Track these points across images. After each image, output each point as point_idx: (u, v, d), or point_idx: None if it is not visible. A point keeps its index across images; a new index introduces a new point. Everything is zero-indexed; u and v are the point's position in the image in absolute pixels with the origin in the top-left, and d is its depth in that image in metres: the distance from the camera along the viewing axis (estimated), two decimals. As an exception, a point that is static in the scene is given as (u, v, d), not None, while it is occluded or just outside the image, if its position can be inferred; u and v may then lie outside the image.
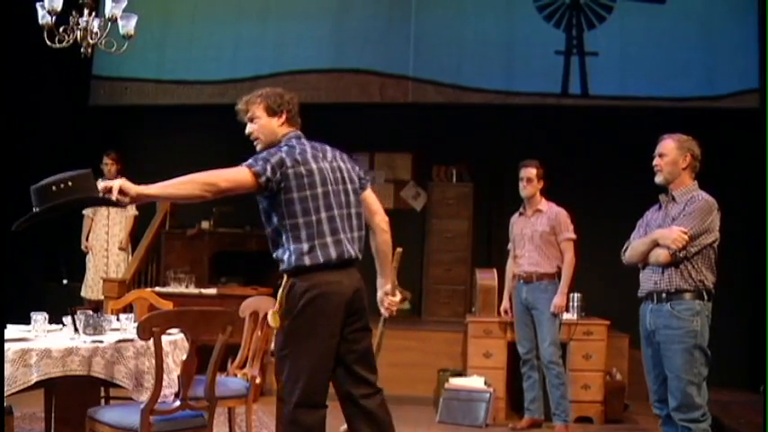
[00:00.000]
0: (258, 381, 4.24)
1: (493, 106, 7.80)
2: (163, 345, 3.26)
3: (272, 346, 3.40)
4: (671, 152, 3.90)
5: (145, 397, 3.33)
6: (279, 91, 3.35)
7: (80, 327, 3.64)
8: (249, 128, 3.31)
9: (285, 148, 3.18)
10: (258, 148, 3.29)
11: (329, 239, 3.15)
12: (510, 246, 5.84)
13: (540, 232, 5.54)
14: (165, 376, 3.29)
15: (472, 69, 7.82)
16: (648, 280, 3.91)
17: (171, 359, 3.62)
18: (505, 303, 5.87)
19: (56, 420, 3.73)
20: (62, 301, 6.34)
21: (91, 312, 3.87)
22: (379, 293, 3.56)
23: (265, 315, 4.17)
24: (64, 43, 5.29)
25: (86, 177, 2.97)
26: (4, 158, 6.97)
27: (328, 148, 3.33)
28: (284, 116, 3.29)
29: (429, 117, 7.99)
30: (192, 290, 6.58)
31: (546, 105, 7.77)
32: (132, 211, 7.28)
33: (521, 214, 5.73)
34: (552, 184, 5.75)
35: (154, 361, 3.25)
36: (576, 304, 5.95)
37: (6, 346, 3.26)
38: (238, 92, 3.43)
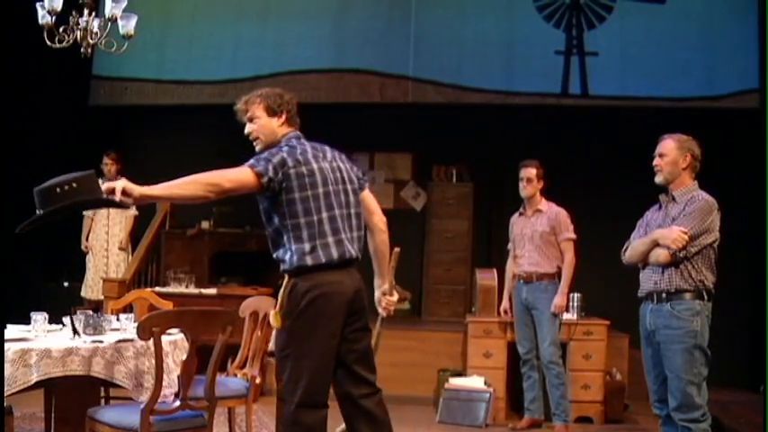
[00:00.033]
0: (258, 381, 4.24)
1: (493, 106, 7.80)
2: (163, 345, 3.26)
3: (271, 345, 3.39)
4: (671, 152, 3.90)
5: (145, 397, 3.33)
6: (278, 91, 3.35)
7: (79, 328, 3.64)
8: (249, 128, 3.30)
9: (286, 149, 3.18)
10: (258, 148, 3.29)
11: (330, 239, 3.15)
12: (510, 246, 5.84)
13: (540, 232, 5.54)
14: (165, 376, 3.29)
15: (472, 69, 7.82)
16: (648, 280, 3.91)
17: (171, 359, 3.62)
18: (505, 303, 5.87)
19: (56, 420, 3.73)
20: (62, 301, 6.37)
21: (91, 312, 3.87)
22: (377, 293, 3.56)
23: (265, 315, 4.18)
24: (64, 43, 5.29)
25: (90, 178, 2.96)
26: (5, 158, 6.98)
27: (327, 148, 3.33)
28: (284, 116, 3.29)
29: (429, 117, 7.99)
30: (192, 290, 6.58)
31: (546, 105, 7.77)
32: (132, 211, 7.28)
33: (521, 214, 5.73)
34: (552, 184, 5.75)
35: (154, 361, 3.25)
36: (575, 304, 5.95)
37: (6, 346, 3.26)
38: (238, 92, 3.42)
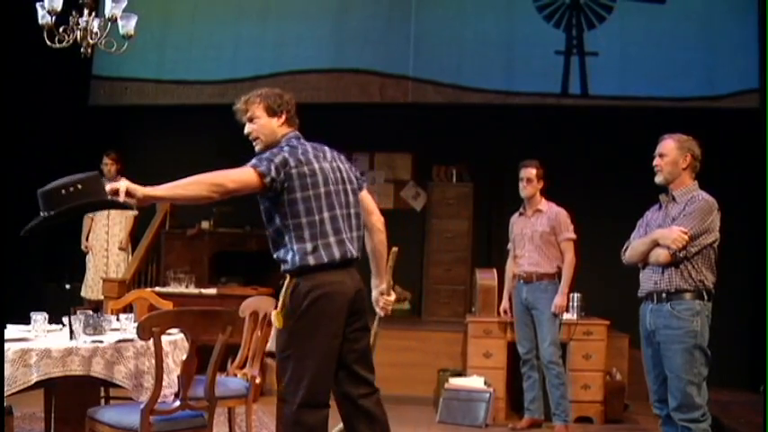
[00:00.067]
0: (258, 381, 4.24)
1: (493, 106, 7.80)
2: (163, 345, 3.26)
3: (269, 346, 3.39)
4: (671, 152, 3.90)
5: (145, 397, 3.33)
6: (278, 91, 3.35)
7: (79, 328, 3.63)
8: (248, 128, 3.30)
9: (287, 149, 3.18)
10: (257, 148, 3.29)
11: (332, 239, 3.15)
12: (510, 246, 5.84)
13: (540, 232, 5.54)
14: (164, 376, 3.29)
15: (472, 69, 7.82)
16: (648, 280, 3.91)
17: (171, 359, 3.62)
18: (505, 303, 5.87)
19: (56, 420, 3.73)
20: (62, 301, 6.37)
21: (91, 312, 3.87)
22: (374, 293, 3.56)
23: (265, 315, 4.18)
24: (64, 43, 5.28)
25: (95, 180, 2.93)
26: (5, 158, 6.97)
27: (326, 148, 3.34)
28: (284, 116, 3.30)
29: (429, 117, 7.99)
30: (192, 290, 6.58)
31: (546, 105, 7.77)
32: (132, 210, 7.28)
33: (521, 214, 5.73)
34: (552, 184, 5.75)
35: (154, 361, 3.25)
36: (575, 304, 5.95)
37: (6, 346, 3.26)
38: (238, 92, 3.42)
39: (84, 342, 3.46)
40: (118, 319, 3.94)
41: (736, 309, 6.60)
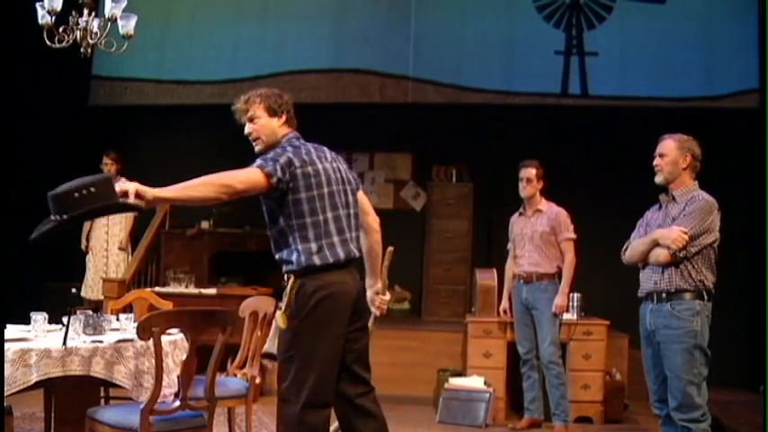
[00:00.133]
0: (258, 381, 4.24)
1: (493, 106, 7.80)
2: (163, 345, 3.26)
3: (267, 347, 3.38)
4: (671, 152, 3.90)
5: (144, 397, 3.33)
6: (277, 91, 3.35)
7: (79, 329, 3.63)
8: (249, 128, 3.29)
9: (291, 149, 3.17)
10: (258, 148, 3.28)
11: (336, 239, 3.16)
12: (510, 246, 5.84)
13: (540, 232, 5.54)
14: (164, 376, 3.29)
15: (472, 69, 7.82)
16: (648, 280, 3.91)
17: (171, 359, 3.62)
18: (504, 303, 5.87)
19: (55, 420, 3.73)
20: (62, 301, 6.36)
21: (91, 312, 3.87)
22: (370, 293, 3.56)
23: (265, 315, 4.18)
24: (64, 43, 5.28)
25: (107, 182, 2.85)
26: (5, 158, 6.97)
27: (326, 148, 3.34)
28: (284, 117, 3.30)
29: (429, 117, 7.99)
30: (192, 290, 6.58)
31: (546, 105, 7.77)
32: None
33: (521, 214, 5.73)
34: (552, 184, 5.75)
35: (153, 361, 3.25)
36: (575, 304, 5.95)
37: (6, 346, 3.26)
38: (238, 92, 3.42)
39: (83, 342, 3.46)
40: (118, 319, 3.94)
41: (736, 309, 6.60)
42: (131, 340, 3.50)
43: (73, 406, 3.57)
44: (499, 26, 7.89)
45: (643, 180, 4.19)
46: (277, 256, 3.21)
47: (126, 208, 2.91)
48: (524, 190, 5.59)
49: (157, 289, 6.24)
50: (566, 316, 5.70)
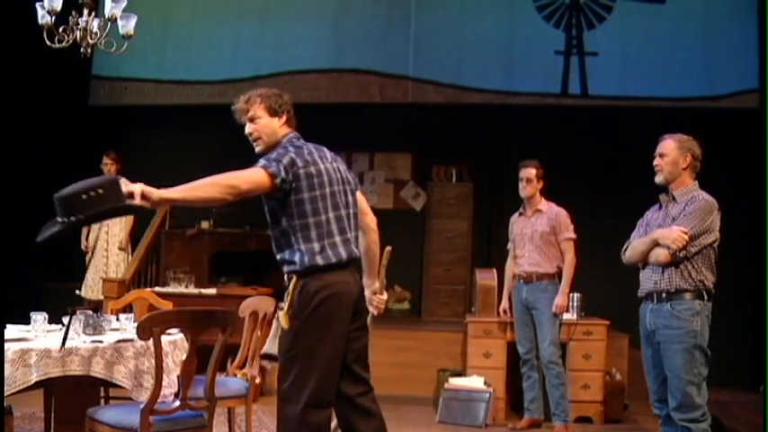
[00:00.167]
0: (258, 381, 4.24)
1: (493, 106, 7.80)
2: (162, 345, 3.26)
3: (266, 348, 3.38)
4: (671, 152, 3.90)
5: (144, 397, 3.33)
6: (277, 91, 3.35)
7: (78, 329, 3.63)
8: (250, 128, 3.29)
9: (293, 149, 3.17)
10: (259, 148, 3.28)
11: (338, 239, 3.17)
12: (510, 246, 5.84)
13: (540, 232, 5.54)
14: (164, 376, 3.29)
15: (472, 69, 7.82)
16: (648, 280, 3.91)
17: (171, 359, 3.62)
18: (504, 303, 5.87)
19: (55, 420, 3.73)
20: (62, 301, 6.36)
21: (91, 312, 3.86)
22: (368, 292, 3.56)
23: (265, 315, 4.18)
24: (64, 43, 5.28)
25: (115, 184, 2.83)
26: (5, 158, 6.97)
27: (325, 148, 3.34)
28: (285, 117, 3.30)
29: (429, 117, 7.99)
30: (192, 290, 6.59)
31: (546, 105, 7.77)
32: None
33: (521, 214, 5.73)
34: (552, 184, 5.75)
35: (153, 361, 3.25)
36: (575, 304, 5.95)
37: (6, 346, 3.26)
38: (238, 92, 3.42)
39: (83, 342, 3.46)
40: (118, 319, 3.94)
41: (736, 309, 6.60)
42: (131, 340, 3.50)
43: (73, 406, 3.57)
44: (499, 26, 7.89)
45: (643, 180, 4.19)
46: (279, 257, 3.20)
47: (133, 210, 2.89)
48: (524, 190, 5.59)
49: (157, 289, 6.24)
50: (566, 316, 5.70)
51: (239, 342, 4.34)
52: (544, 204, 5.61)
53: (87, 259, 7.40)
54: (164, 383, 3.27)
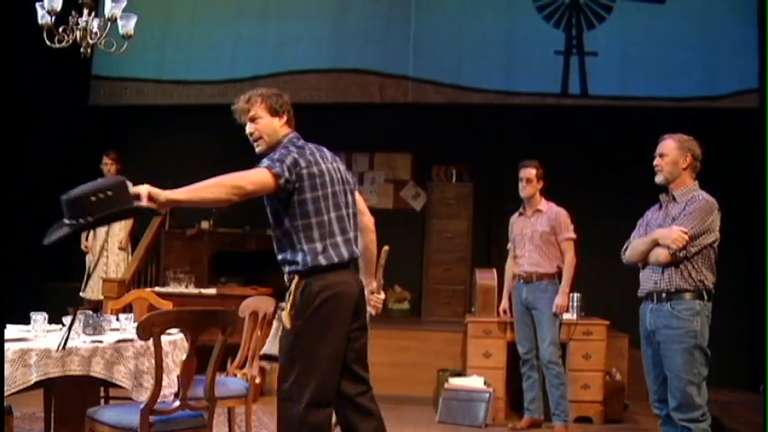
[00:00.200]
0: (258, 381, 4.24)
1: (493, 106, 7.80)
2: (162, 345, 3.26)
3: (265, 349, 3.38)
4: (671, 152, 3.90)
5: (144, 397, 3.32)
6: (277, 91, 3.35)
7: (78, 329, 3.62)
8: (251, 128, 3.28)
9: (295, 149, 3.18)
10: (260, 149, 3.27)
11: (339, 239, 3.17)
12: (510, 246, 5.84)
13: (540, 232, 5.54)
14: (164, 376, 3.29)
15: (472, 69, 7.82)
16: (648, 280, 3.91)
17: (170, 359, 3.62)
18: (504, 303, 5.87)
19: (55, 420, 3.73)
20: (62, 301, 6.37)
21: (91, 312, 3.86)
22: (365, 292, 3.56)
23: (265, 315, 4.18)
24: (64, 43, 5.28)
25: (123, 185, 2.79)
26: (5, 158, 6.97)
27: (325, 149, 3.34)
28: (285, 117, 3.30)
29: (429, 117, 7.99)
30: (192, 290, 6.58)
31: (546, 105, 7.77)
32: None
33: (521, 214, 5.73)
34: (552, 184, 5.74)
35: (153, 361, 3.25)
36: (575, 304, 5.95)
37: (6, 346, 3.26)
38: (238, 92, 3.41)
39: (83, 342, 3.46)
40: (117, 319, 3.94)
41: (736, 309, 6.60)
42: (131, 340, 3.50)
43: (73, 406, 3.57)
44: (499, 26, 7.89)
45: (643, 180, 4.19)
46: (280, 257, 3.20)
47: (141, 212, 2.88)
48: (524, 190, 5.59)
49: (157, 289, 6.24)
50: (566, 316, 5.70)
51: (239, 342, 4.34)
52: (544, 204, 5.61)
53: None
54: (164, 383, 3.27)
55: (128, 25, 5.33)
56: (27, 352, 3.29)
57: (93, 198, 2.75)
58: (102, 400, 4.18)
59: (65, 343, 3.37)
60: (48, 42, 5.23)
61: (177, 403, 3.27)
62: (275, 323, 3.32)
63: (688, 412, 3.74)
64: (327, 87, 7.95)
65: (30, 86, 7.40)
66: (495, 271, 6.29)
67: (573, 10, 7.79)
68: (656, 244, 3.84)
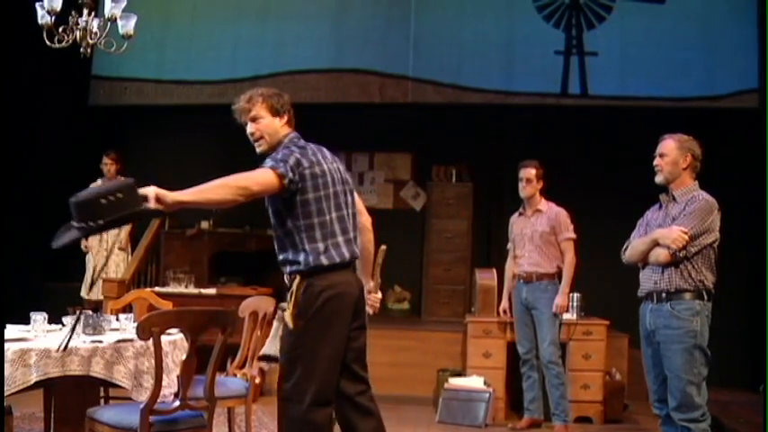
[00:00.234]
0: (258, 381, 4.24)
1: (493, 106, 7.80)
2: (162, 345, 3.26)
3: (265, 349, 3.38)
4: (671, 152, 3.90)
5: (144, 397, 3.32)
6: (277, 91, 3.35)
7: (78, 329, 3.62)
8: (252, 127, 3.27)
9: (297, 150, 3.18)
10: (261, 149, 3.27)
11: (340, 239, 3.18)
12: (509, 246, 5.84)
13: (540, 232, 5.54)
14: (164, 376, 3.29)
15: (472, 69, 7.82)
16: (648, 280, 3.91)
17: (170, 359, 3.62)
18: (504, 303, 5.87)
19: (55, 420, 3.73)
20: (62, 301, 6.37)
21: (91, 312, 3.86)
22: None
23: (265, 315, 4.18)
24: (63, 43, 5.28)
25: (132, 188, 2.77)
26: (5, 158, 6.98)
27: (324, 149, 3.34)
28: (286, 116, 3.30)
29: (429, 117, 7.99)
30: (192, 290, 6.58)
31: (546, 105, 7.77)
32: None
33: (520, 214, 5.73)
34: (552, 184, 5.74)
35: (153, 361, 3.25)
36: (575, 304, 5.95)
37: (6, 346, 3.26)
38: (238, 92, 3.41)
39: (83, 342, 3.45)
40: (117, 319, 3.94)
41: (736, 309, 6.60)
42: (131, 340, 3.50)
43: (73, 406, 3.57)
44: (499, 26, 7.89)
45: (643, 180, 4.19)
46: (281, 257, 3.21)
47: (150, 215, 2.86)
48: (524, 190, 5.59)
49: (157, 289, 6.24)
50: (565, 316, 5.70)
51: (239, 342, 4.34)
52: (544, 204, 5.61)
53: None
54: (163, 383, 3.27)
55: (128, 25, 5.33)
56: (27, 352, 3.29)
57: (104, 201, 2.72)
58: (102, 400, 4.18)
59: (67, 343, 3.36)
60: (48, 42, 5.23)
61: (177, 403, 3.27)
62: (275, 323, 3.32)
63: (688, 412, 3.74)
64: (327, 87, 7.95)
65: (30, 86, 7.40)
66: (494, 271, 6.29)
67: (573, 10, 7.79)
68: (656, 244, 3.84)
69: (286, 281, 3.23)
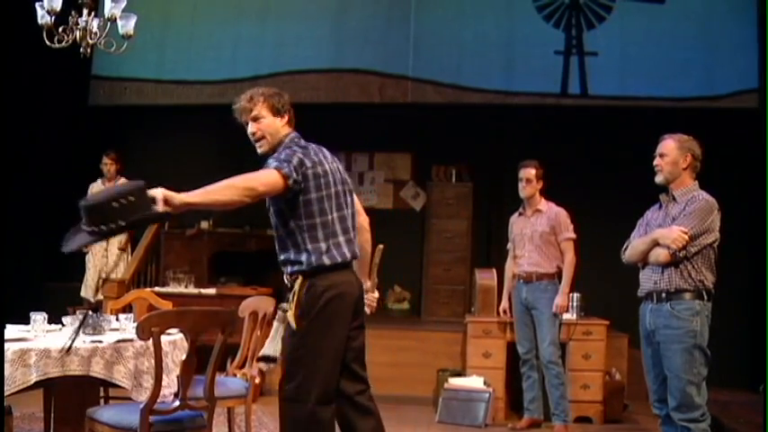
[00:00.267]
0: (258, 381, 4.24)
1: (492, 106, 7.80)
2: (162, 345, 3.26)
3: (264, 350, 3.38)
4: (671, 152, 3.90)
5: (144, 397, 3.32)
6: (277, 90, 3.34)
7: (80, 332, 3.62)
8: (253, 127, 3.26)
9: (299, 150, 3.18)
10: (262, 149, 3.26)
11: (342, 239, 3.19)
12: (509, 246, 5.84)
13: (539, 232, 5.54)
14: (164, 376, 3.29)
15: (472, 69, 7.82)
16: (648, 280, 3.91)
17: (170, 359, 3.62)
18: (504, 303, 5.86)
19: (55, 420, 3.73)
20: (62, 301, 6.37)
21: (91, 312, 3.86)
22: None
23: (265, 315, 4.18)
24: (63, 43, 5.28)
25: (143, 191, 2.73)
26: (5, 158, 6.98)
27: (324, 149, 3.34)
28: (286, 116, 3.30)
29: (429, 117, 7.99)
30: (192, 290, 6.58)
31: (545, 105, 7.77)
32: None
33: (520, 214, 5.73)
34: (552, 184, 5.74)
35: (153, 361, 3.25)
36: (575, 304, 5.95)
37: (6, 346, 3.26)
38: (238, 92, 3.41)
39: (83, 342, 3.45)
40: (117, 319, 3.94)
41: (736, 309, 6.60)
42: (131, 340, 3.50)
43: (72, 406, 3.56)
44: (499, 26, 7.90)
45: (643, 180, 4.19)
46: (283, 257, 3.21)
47: (161, 218, 2.84)
48: (524, 190, 5.59)
49: (157, 289, 6.24)
50: (565, 316, 5.70)
51: (239, 342, 4.34)
52: (544, 204, 5.61)
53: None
54: (163, 383, 3.27)
55: (127, 25, 5.33)
56: (27, 352, 3.29)
57: (116, 204, 2.69)
58: (102, 400, 4.17)
59: (71, 345, 3.34)
60: (48, 42, 5.23)
61: (177, 403, 3.27)
62: (275, 324, 3.32)
63: (688, 412, 3.74)
64: (327, 87, 7.96)
65: (30, 86, 7.40)
66: (494, 271, 6.29)
67: (573, 10, 7.79)
68: (655, 244, 3.84)
69: (286, 281, 3.23)
